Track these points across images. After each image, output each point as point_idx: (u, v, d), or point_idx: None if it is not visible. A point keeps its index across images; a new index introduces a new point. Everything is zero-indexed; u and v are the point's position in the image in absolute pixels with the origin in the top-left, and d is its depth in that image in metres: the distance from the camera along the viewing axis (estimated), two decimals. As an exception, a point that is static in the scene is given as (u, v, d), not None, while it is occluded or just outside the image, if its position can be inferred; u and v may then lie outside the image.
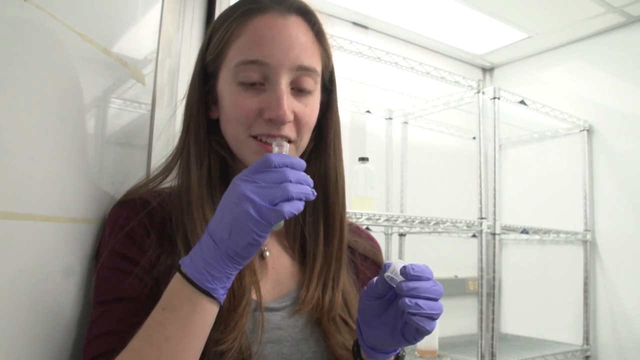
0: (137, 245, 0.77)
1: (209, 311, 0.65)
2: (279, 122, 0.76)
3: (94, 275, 0.78)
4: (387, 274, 0.67)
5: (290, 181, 0.63)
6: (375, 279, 0.71)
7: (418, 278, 0.66)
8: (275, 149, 0.72)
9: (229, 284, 0.65)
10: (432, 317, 0.66)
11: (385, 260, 0.99)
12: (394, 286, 0.67)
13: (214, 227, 0.64)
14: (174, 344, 0.63)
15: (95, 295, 0.76)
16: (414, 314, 0.65)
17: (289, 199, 0.62)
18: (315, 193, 0.66)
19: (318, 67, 0.82)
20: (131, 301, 0.73)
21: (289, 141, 0.80)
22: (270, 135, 0.78)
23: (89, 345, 0.72)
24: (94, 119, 0.85)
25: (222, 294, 0.65)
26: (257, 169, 0.64)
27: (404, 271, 0.66)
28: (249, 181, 0.63)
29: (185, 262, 0.65)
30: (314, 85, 0.81)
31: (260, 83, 0.78)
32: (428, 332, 0.67)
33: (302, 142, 0.82)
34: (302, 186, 0.64)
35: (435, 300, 0.66)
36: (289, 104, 0.77)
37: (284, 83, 0.77)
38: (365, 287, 0.73)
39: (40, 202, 0.68)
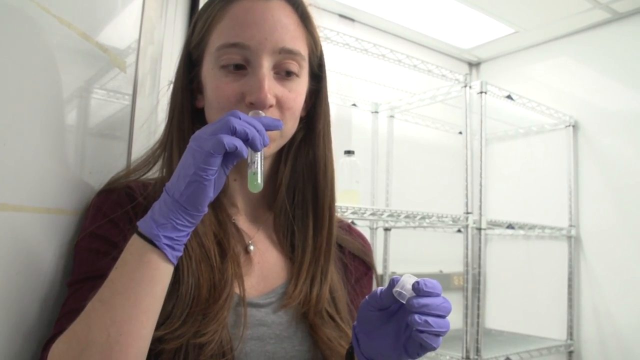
0: (118, 229, 0.74)
1: (156, 265, 0.62)
2: (259, 105, 0.74)
3: (69, 265, 0.76)
4: (396, 289, 0.65)
5: (239, 120, 0.63)
6: (379, 289, 0.68)
7: (429, 294, 0.64)
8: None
9: (176, 236, 0.63)
10: (439, 334, 0.64)
11: (376, 261, 0.98)
12: (403, 302, 0.64)
13: (170, 181, 0.64)
14: (121, 299, 0.61)
15: (70, 278, 0.74)
16: (422, 332, 0.63)
17: (232, 132, 0.62)
18: (268, 142, 0.66)
19: (303, 51, 0.80)
20: (104, 279, 0.70)
21: None
22: None
23: (57, 323, 0.70)
24: (71, 106, 0.82)
25: (164, 242, 0.62)
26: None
27: (416, 287, 0.64)
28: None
29: (142, 219, 0.65)
30: (299, 70, 0.80)
31: (242, 67, 0.76)
32: (433, 349, 0.64)
33: (286, 128, 0.80)
34: (250, 125, 0.64)
35: (444, 317, 0.64)
36: (271, 88, 0.76)
37: (266, 66, 0.76)
38: (367, 298, 0.70)
39: (12, 191, 0.65)
